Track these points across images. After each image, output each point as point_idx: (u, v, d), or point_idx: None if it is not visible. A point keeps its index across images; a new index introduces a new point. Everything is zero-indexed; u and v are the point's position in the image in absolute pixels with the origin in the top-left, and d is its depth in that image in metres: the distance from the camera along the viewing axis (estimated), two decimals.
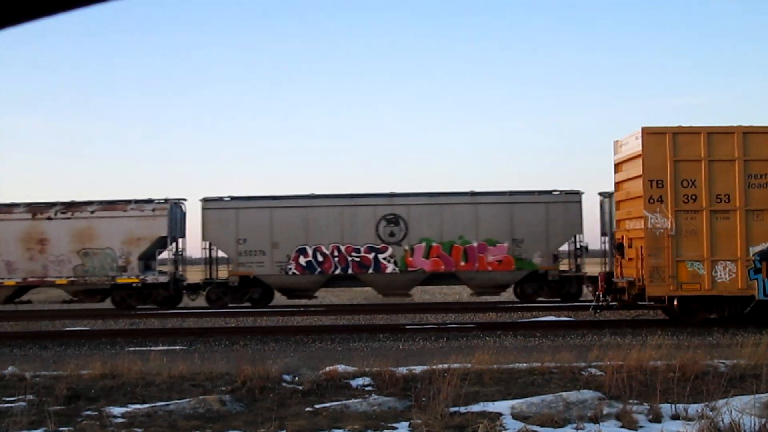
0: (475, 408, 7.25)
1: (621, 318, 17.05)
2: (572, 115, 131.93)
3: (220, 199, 22.46)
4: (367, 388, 8.42)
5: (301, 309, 20.87)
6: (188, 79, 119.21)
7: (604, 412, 6.94)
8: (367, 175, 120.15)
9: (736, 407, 6.44)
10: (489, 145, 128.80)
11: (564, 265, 22.80)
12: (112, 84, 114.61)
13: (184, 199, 23.33)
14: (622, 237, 16.33)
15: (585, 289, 22.71)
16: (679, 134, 14.99)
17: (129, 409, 7.53)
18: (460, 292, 27.10)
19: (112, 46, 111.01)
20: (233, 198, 22.49)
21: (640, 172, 15.09)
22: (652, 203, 14.84)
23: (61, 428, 6.78)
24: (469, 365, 9.01)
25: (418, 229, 21.97)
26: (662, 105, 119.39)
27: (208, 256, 22.93)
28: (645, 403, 7.19)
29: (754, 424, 5.98)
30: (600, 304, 16.76)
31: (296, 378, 8.71)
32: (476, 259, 21.86)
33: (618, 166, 16.71)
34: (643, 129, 15.05)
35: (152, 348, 12.97)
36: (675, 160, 14.86)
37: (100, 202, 22.44)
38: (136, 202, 22.43)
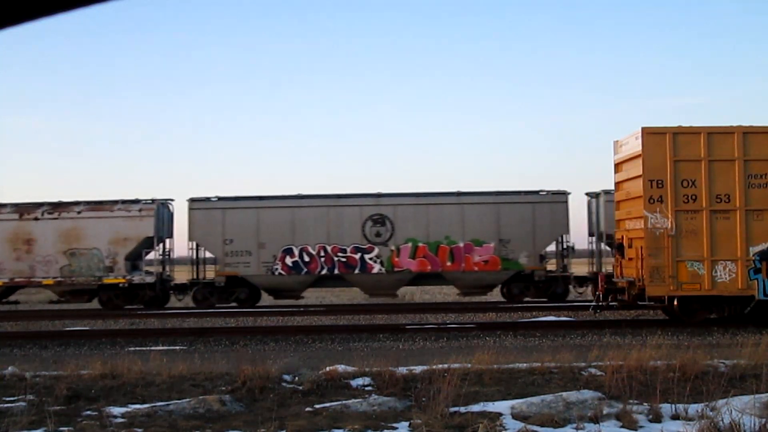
0: (475, 408, 7.24)
1: (621, 318, 17.04)
2: (572, 115, 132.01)
3: (207, 199, 22.46)
4: (367, 388, 8.42)
5: (301, 309, 20.87)
6: (188, 79, 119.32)
7: (604, 412, 6.94)
8: (367, 175, 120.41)
9: (736, 407, 6.44)
10: (489, 145, 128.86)
11: (551, 266, 22.82)
12: (112, 84, 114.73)
13: (172, 200, 23.36)
14: (622, 237, 16.33)
15: (572, 289, 22.78)
16: (679, 134, 14.99)
17: (129, 409, 7.53)
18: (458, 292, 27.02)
19: (112, 46, 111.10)
20: (220, 198, 22.49)
21: (640, 172, 15.09)
22: (652, 203, 14.84)
23: (61, 428, 6.77)
24: (469, 365, 9.01)
25: (404, 229, 21.98)
26: (662, 105, 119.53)
27: (194, 256, 22.94)
28: (645, 403, 7.18)
29: (754, 424, 5.98)
30: (600, 304, 16.75)
31: (296, 378, 8.71)
32: (462, 259, 21.87)
33: (618, 166, 16.71)
34: (643, 129, 15.04)
35: (152, 348, 12.97)
36: (675, 160, 14.86)
37: (87, 203, 22.44)
38: (123, 202, 22.42)
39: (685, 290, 14.85)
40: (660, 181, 14.83)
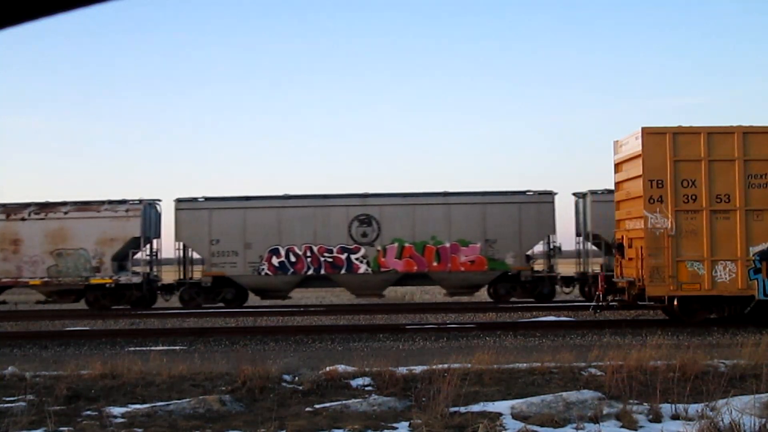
0: (475, 408, 7.24)
1: (621, 318, 17.04)
2: (572, 115, 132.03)
3: (194, 199, 22.46)
4: (367, 388, 8.42)
5: (301, 309, 20.88)
6: (188, 79, 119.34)
7: (604, 412, 6.94)
8: (367, 175, 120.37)
9: (736, 407, 6.44)
10: (489, 145, 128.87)
11: (538, 266, 22.82)
12: (112, 84, 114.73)
13: (159, 200, 23.37)
14: (622, 237, 16.33)
15: (559, 289, 22.79)
16: (679, 134, 14.99)
17: (129, 409, 7.53)
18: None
19: (112, 46, 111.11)
20: (207, 198, 22.49)
21: (640, 172, 15.09)
22: (652, 203, 14.84)
23: (61, 428, 6.77)
24: (469, 365, 9.01)
25: (390, 229, 21.97)
26: (662, 105, 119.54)
27: (181, 256, 22.95)
28: (645, 403, 7.18)
29: (754, 424, 5.98)
30: (600, 304, 16.75)
31: (296, 378, 8.71)
32: (449, 259, 21.88)
33: (618, 166, 16.71)
34: (643, 129, 15.04)
35: (152, 348, 12.97)
36: (675, 160, 14.86)
37: (74, 203, 22.46)
38: (110, 202, 22.43)
39: (685, 290, 14.85)
40: (660, 181, 14.83)
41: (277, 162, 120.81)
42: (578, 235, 23.32)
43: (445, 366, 8.70)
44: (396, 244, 21.98)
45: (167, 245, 24.27)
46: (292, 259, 22.00)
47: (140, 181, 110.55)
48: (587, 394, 7.53)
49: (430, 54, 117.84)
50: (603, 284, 16.69)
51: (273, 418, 6.82)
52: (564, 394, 7.48)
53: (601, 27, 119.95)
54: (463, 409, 7.11)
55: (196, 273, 23.09)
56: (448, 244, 21.91)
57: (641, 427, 6.66)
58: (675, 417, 6.81)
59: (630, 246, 15.95)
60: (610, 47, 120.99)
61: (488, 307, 20.09)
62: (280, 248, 21.98)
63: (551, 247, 22.60)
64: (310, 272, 21.99)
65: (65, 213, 22.11)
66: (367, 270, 21.94)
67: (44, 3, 2.32)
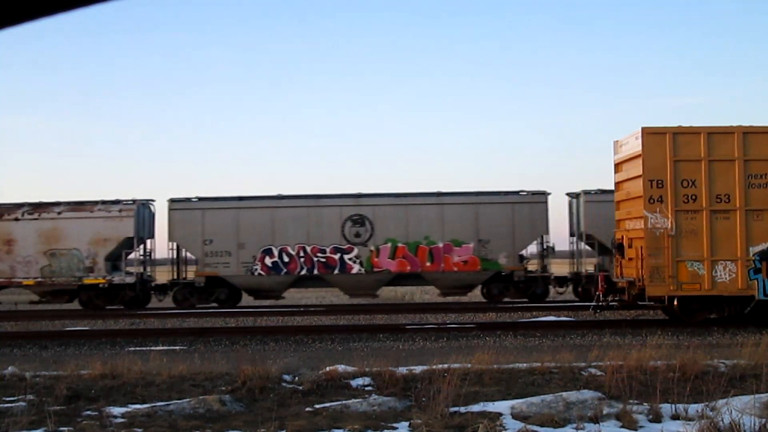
0: (475, 408, 7.24)
1: (621, 318, 17.04)
2: (572, 115, 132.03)
3: (187, 199, 22.46)
4: (367, 388, 8.42)
5: (301, 309, 20.88)
6: (188, 79, 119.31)
7: (604, 412, 6.94)
8: (367, 175, 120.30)
9: (736, 407, 6.44)
10: (489, 145, 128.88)
11: (532, 266, 22.82)
12: (112, 84, 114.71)
13: (153, 200, 23.40)
14: (622, 237, 16.33)
15: (552, 289, 22.79)
16: (679, 134, 14.99)
17: (129, 409, 7.53)
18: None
19: (112, 46, 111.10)
20: (200, 199, 22.49)
21: (640, 172, 15.09)
22: (652, 203, 14.84)
23: (61, 428, 6.77)
24: (469, 365, 9.01)
25: (383, 229, 21.97)
26: (662, 105, 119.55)
27: (174, 256, 22.96)
28: (645, 403, 7.18)
29: (754, 424, 5.98)
30: (600, 304, 16.75)
31: (296, 378, 8.71)
32: (442, 259, 21.87)
33: (618, 166, 16.71)
34: (643, 129, 15.05)
35: (152, 348, 12.97)
36: (675, 160, 14.86)
37: (67, 203, 22.47)
38: (103, 202, 22.44)
39: (685, 290, 14.85)
40: (660, 181, 14.84)
41: (277, 162, 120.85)
42: (572, 235, 23.33)
43: (445, 366, 8.70)
44: (389, 245, 21.98)
45: (161, 245, 24.29)
46: (285, 259, 22.00)
47: (140, 181, 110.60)
48: (587, 394, 7.53)
49: (430, 54, 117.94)
50: (603, 284, 16.69)
51: (273, 418, 6.82)
52: (564, 394, 7.48)
53: (601, 27, 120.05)
54: (463, 409, 7.11)
55: (190, 273, 23.10)
56: (441, 245, 21.90)
57: (641, 427, 6.66)
58: (675, 417, 6.81)
59: (630, 246, 15.95)
60: (610, 47, 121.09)
61: (488, 307, 20.08)
62: (273, 248, 21.98)
63: (544, 247, 22.60)
64: (303, 272, 21.99)
65: (58, 213, 22.13)
66: (360, 270, 21.94)
67: (44, 3, 2.32)
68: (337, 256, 21.98)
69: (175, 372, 9.06)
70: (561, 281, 23.03)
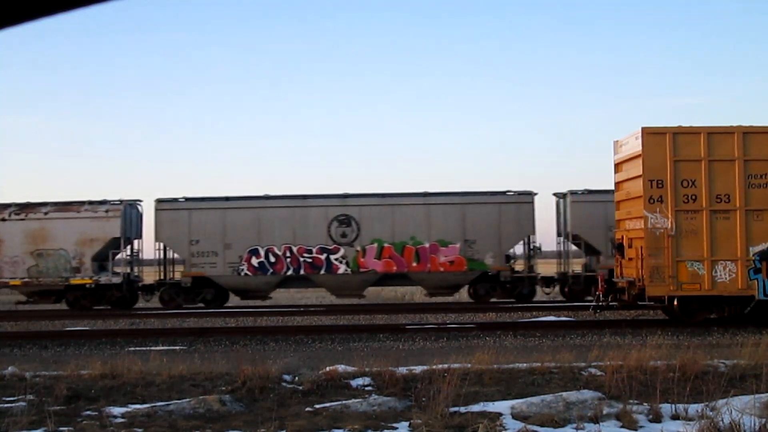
0: (475, 408, 7.24)
1: (621, 318, 17.05)
2: (572, 115, 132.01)
3: (174, 200, 22.48)
4: (367, 388, 8.42)
5: (301, 309, 20.89)
6: (188, 79, 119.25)
7: (604, 412, 6.94)
8: (366, 175, 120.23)
9: (736, 407, 6.44)
10: (489, 145, 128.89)
11: (519, 266, 22.82)
12: (112, 84, 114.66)
13: (140, 200, 23.43)
14: (622, 237, 16.33)
15: (539, 290, 22.79)
16: (679, 134, 14.99)
17: (129, 409, 7.53)
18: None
19: (112, 46, 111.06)
20: (187, 199, 22.50)
21: (640, 172, 15.09)
22: (652, 203, 14.84)
23: (61, 428, 6.78)
24: (469, 365, 9.01)
25: (369, 229, 21.96)
26: (662, 105, 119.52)
27: (161, 257, 22.98)
28: (645, 403, 7.19)
29: (754, 424, 5.98)
30: (600, 304, 16.75)
31: (296, 378, 8.71)
32: (428, 259, 21.87)
33: (618, 166, 16.71)
34: (643, 129, 15.05)
35: (152, 348, 12.97)
36: (675, 160, 14.86)
37: (54, 204, 22.49)
38: (90, 203, 22.45)
39: (685, 290, 14.85)
40: (660, 181, 14.84)
41: (277, 162, 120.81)
42: (559, 235, 23.33)
43: (445, 366, 8.70)
44: (375, 245, 21.97)
45: (149, 246, 24.30)
46: (272, 259, 22.00)
47: (140, 181, 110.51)
48: (587, 394, 7.53)
49: (430, 54, 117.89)
50: (603, 284, 16.69)
51: (273, 418, 6.82)
52: (564, 394, 7.48)
53: (601, 27, 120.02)
54: (463, 409, 7.11)
55: (177, 273, 23.10)
56: (427, 245, 21.90)
57: (641, 427, 6.67)
58: (675, 417, 6.81)
59: (630, 246, 15.95)
60: (610, 47, 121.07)
61: (488, 307, 20.08)
62: (260, 248, 21.99)
63: (531, 247, 22.60)
64: (290, 272, 21.99)
65: (45, 214, 22.15)
66: (346, 270, 21.93)
67: (44, 3, 2.32)
68: (323, 257, 21.98)
69: (175, 372, 9.06)
70: (548, 281, 23.06)
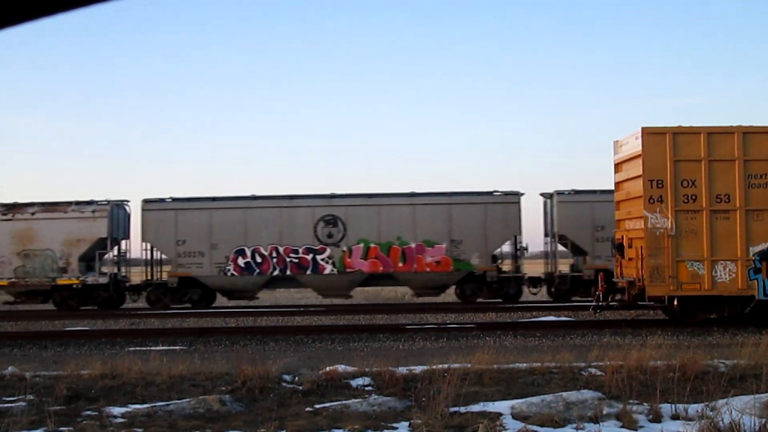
0: (475, 408, 7.24)
1: (621, 318, 17.05)
2: (572, 115, 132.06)
3: (161, 200, 22.50)
4: (367, 388, 8.42)
5: (301, 309, 20.88)
6: (188, 79, 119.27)
7: (604, 412, 6.94)
8: (366, 175, 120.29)
9: (736, 407, 6.44)
10: (489, 145, 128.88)
11: (506, 266, 22.83)
12: (112, 84, 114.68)
13: (128, 201, 23.48)
14: (622, 237, 16.32)
15: (526, 290, 22.80)
16: (679, 134, 14.99)
17: (129, 409, 7.53)
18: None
19: (112, 46, 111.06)
20: (174, 199, 22.51)
21: (640, 172, 15.09)
22: (652, 203, 14.84)
23: (61, 428, 6.78)
24: (469, 365, 9.01)
25: (356, 230, 21.97)
26: (662, 105, 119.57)
27: (148, 257, 22.98)
28: (645, 403, 7.18)
29: (754, 424, 5.98)
30: (600, 304, 16.75)
31: (296, 378, 8.71)
32: (414, 260, 21.89)
33: (618, 166, 16.71)
34: (643, 129, 15.04)
35: (152, 348, 12.97)
36: (675, 160, 14.86)
37: (41, 204, 22.53)
38: (77, 203, 22.48)
39: (685, 290, 14.85)
40: (660, 181, 14.83)
41: (277, 162, 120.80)
42: (546, 235, 23.34)
43: (445, 366, 8.70)
44: (362, 245, 21.98)
45: (137, 246, 24.31)
46: (258, 259, 22.01)
47: (140, 181, 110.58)
48: (587, 394, 7.53)
49: (430, 54, 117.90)
50: (603, 284, 16.69)
51: (273, 418, 6.82)
52: (564, 394, 7.48)
53: (601, 27, 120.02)
54: (463, 409, 7.11)
55: (165, 274, 23.10)
56: (413, 245, 21.91)
57: (641, 427, 6.66)
58: (675, 417, 6.81)
59: (630, 246, 15.95)
60: (610, 47, 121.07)
61: (488, 307, 20.08)
62: (246, 249, 22.00)
63: (517, 247, 22.56)
64: (276, 273, 22.00)
65: (32, 214, 22.18)
66: (332, 271, 21.94)
67: (44, 3, 2.32)
68: (309, 257, 21.99)
69: (175, 372, 9.06)
70: (535, 281, 23.06)
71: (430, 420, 6.65)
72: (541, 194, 23.30)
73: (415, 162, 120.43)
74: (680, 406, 6.88)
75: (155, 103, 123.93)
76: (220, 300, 23.31)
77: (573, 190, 22.21)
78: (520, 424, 6.67)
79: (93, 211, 22.19)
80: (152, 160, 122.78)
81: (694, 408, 6.86)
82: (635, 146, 15.42)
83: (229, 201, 22.45)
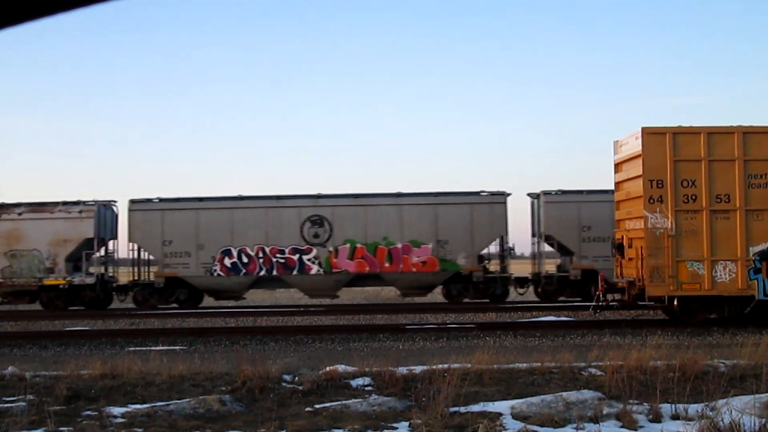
0: (475, 408, 7.24)
1: (621, 318, 17.04)
2: (572, 115, 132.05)
3: (148, 200, 22.51)
4: (367, 388, 8.42)
5: (301, 309, 20.89)
6: (188, 79, 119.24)
7: (604, 412, 6.94)
8: (366, 175, 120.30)
9: (736, 407, 6.44)
10: (489, 145, 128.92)
11: (493, 266, 22.84)
12: (112, 84, 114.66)
13: (115, 201, 23.50)
14: (622, 237, 16.33)
15: (513, 290, 22.81)
16: (679, 134, 14.99)
17: (129, 409, 7.53)
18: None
19: (112, 46, 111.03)
20: (161, 200, 22.52)
21: (640, 172, 15.09)
22: (652, 203, 14.84)
23: (61, 428, 6.78)
24: (469, 365, 9.01)
25: (342, 230, 21.96)
26: (662, 105, 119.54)
27: (135, 257, 22.98)
28: (645, 403, 7.19)
29: (754, 424, 5.98)
30: (600, 304, 16.75)
31: (296, 378, 8.71)
32: (400, 260, 21.87)
33: (618, 166, 16.71)
34: (643, 129, 15.05)
35: (152, 348, 12.97)
36: (675, 160, 14.86)
37: (28, 204, 22.53)
38: (64, 203, 22.46)
39: (685, 290, 14.85)
40: (660, 181, 14.84)
41: (277, 162, 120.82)
42: (533, 236, 23.35)
43: (445, 366, 8.70)
44: (348, 245, 21.96)
45: (125, 246, 24.30)
46: (244, 260, 21.99)
47: (140, 181, 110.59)
48: (587, 394, 7.53)
49: (430, 54, 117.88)
50: (603, 284, 16.69)
51: (273, 418, 6.82)
52: (564, 394, 7.48)
53: (601, 27, 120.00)
54: (463, 409, 7.11)
55: (152, 274, 23.08)
56: (399, 245, 21.90)
57: (641, 427, 6.67)
58: (675, 417, 6.81)
59: (630, 246, 15.95)
60: (610, 47, 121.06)
61: (488, 307, 20.08)
62: (233, 249, 21.99)
63: (504, 248, 22.59)
64: (263, 273, 21.98)
65: (19, 214, 22.16)
66: (319, 271, 21.93)
67: (44, 3, 2.32)
68: (295, 257, 21.97)
69: (175, 372, 9.06)
70: (521, 282, 23.07)
71: (430, 420, 6.65)
72: (528, 194, 23.32)
73: (415, 162, 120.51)
74: (680, 406, 6.88)
75: (155, 103, 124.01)
76: (222, 301, 23.28)
77: (560, 191, 22.23)
78: (520, 424, 6.67)
79: (80, 212, 22.19)
80: (152, 160, 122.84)
81: (694, 408, 6.86)
82: (635, 146, 15.42)
83: (216, 201, 22.45)
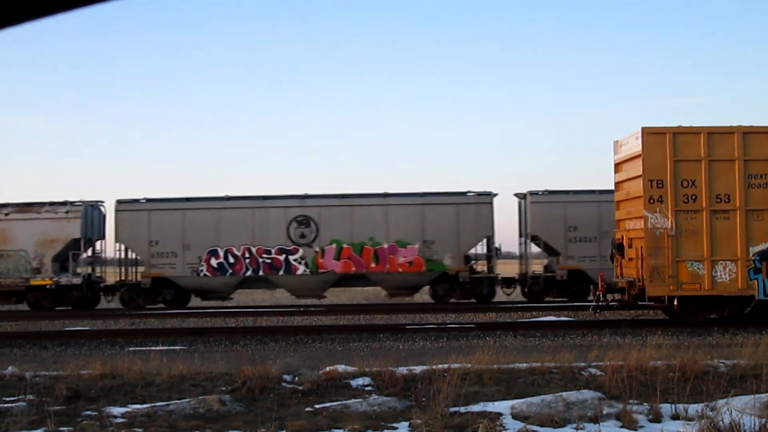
0: (475, 408, 7.24)
1: (621, 318, 17.04)
2: (572, 115, 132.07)
3: (135, 201, 22.54)
4: (367, 388, 8.42)
5: (301, 309, 20.89)
6: (188, 79, 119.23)
7: (604, 412, 6.94)
8: (367, 176, 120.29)
9: (736, 407, 6.44)
10: (489, 145, 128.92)
11: (481, 266, 22.83)
12: (112, 84, 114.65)
13: (102, 201, 23.51)
14: (622, 237, 16.33)
15: (500, 290, 22.81)
16: (679, 134, 14.99)
17: (129, 409, 7.53)
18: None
19: (112, 46, 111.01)
20: (148, 200, 22.54)
21: (640, 172, 15.09)
22: (652, 203, 14.84)
23: (61, 428, 6.78)
24: (469, 365, 9.01)
25: (328, 230, 21.98)
26: (662, 105, 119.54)
27: (122, 257, 23.01)
28: (645, 403, 7.19)
29: (754, 424, 5.98)
30: (600, 304, 16.75)
31: (296, 378, 8.71)
32: (387, 260, 21.89)
33: (618, 166, 16.71)
34: (643, 129, 15.05)
35: (152, 348, 12.97)
36: (675, 160, 14.86)
37: (15, 205, 22.55)
38: (51, 204, 22.48)
39: (685, 290, 14.85)
40: (660, 181, 14.84)
41: (276, 162, 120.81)
42: (520, 236, 23.35)
43: (445, 366, 8.70)
44: (334, 245, 21.98)
45: (112, 246, 24.31)
46: (231, 260, 22.00)
47: (140, 181, 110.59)
48: (587, 394, 7.53)
49: (430, 54, 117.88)
50: (603, 284, 16.69)
51: (273, 418, 6.82)
52: (564, 394, 7.48)
53: (601, 27, 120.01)
54: (463, 409, 7.11)
55: (139, 274, 23.09)
56: (386, 245, 21.91)
57: (641, 427, 6.67)
58: (675, 417, 6.81)
59: (630, 246, 15.95)
60: (610, 47, 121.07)
61: (488, 307, 20.09)
62: (219, 249, 22.00)
63: (490, 248, 22.56)
64: (249, 273, 22.00)
65: (6, 215, 22.17)
66: (305, 271, 21.95)
67: (44, 3, 2.32)
68: (282, 257, 21.99)
69: (175, 372, 9.06)
70: (508, 282, 23.07)
71: (430, 420, 6.65)
72: (515, 194, 23.33)
73: (414, 162, 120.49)
74: (680, 406, 6.88)
75: (155, 103, 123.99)
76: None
77: (546, 191, 22.26)
78: (520, 424, 6.67)
79: (66, 212, 22.19)
80: (152, 160, 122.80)
81: (694, 408, 6.86)
82: (635, 146, 15.42)
83: (202, 201, 22.47)
